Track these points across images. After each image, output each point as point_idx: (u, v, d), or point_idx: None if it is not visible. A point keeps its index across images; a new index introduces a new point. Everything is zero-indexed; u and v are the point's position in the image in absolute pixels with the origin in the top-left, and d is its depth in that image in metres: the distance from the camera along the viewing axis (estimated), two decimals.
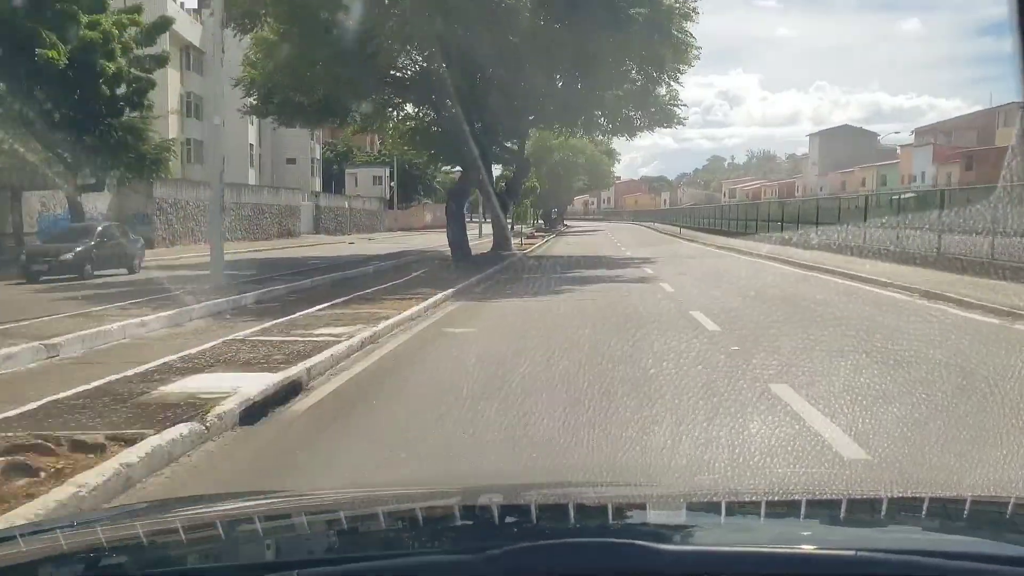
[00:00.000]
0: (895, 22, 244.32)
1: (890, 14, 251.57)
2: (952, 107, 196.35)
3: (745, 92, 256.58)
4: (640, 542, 1.42)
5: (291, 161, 68.52)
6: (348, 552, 1.69)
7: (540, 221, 77.38)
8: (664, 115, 32.14)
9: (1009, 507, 1.96)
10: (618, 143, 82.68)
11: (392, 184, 77.32)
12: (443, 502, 2.15)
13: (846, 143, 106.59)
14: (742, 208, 59.23)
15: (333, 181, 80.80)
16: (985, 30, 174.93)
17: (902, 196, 35.78)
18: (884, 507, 1.94)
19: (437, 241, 46.95)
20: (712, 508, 1.98)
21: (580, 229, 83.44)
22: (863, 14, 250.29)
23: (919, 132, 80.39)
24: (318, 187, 73.57)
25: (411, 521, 1.90)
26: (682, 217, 77.51)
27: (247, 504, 2.23)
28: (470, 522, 1.92)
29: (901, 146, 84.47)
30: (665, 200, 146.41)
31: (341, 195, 68.08)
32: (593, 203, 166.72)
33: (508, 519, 1.90)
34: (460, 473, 4.98)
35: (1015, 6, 1.62)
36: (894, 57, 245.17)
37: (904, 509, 1.98)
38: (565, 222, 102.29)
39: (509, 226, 36.70)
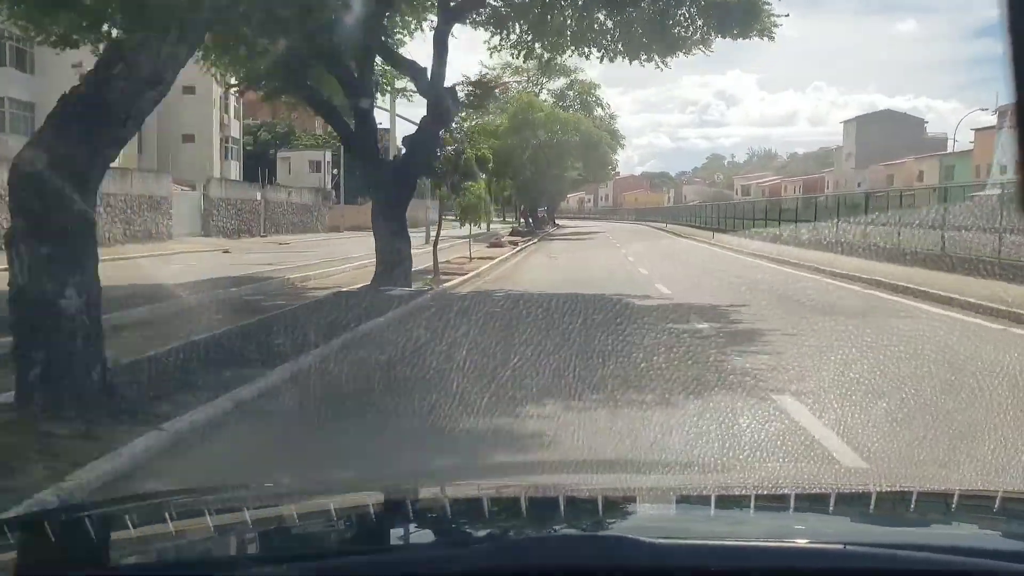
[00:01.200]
0: (892, 24, 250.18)
1: (887, 16, 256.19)
2: (949, 109, 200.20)
3: (742, 92, 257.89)
4: (630, 536, 1.41)
5: (188, 139, 51.48)
6: (338, 546, 1.66)
7: (525, 220, 60.22)
8: (747, 8, 15.34)
9: (997, 501, 1.95)
10: (630, 108, 65.67)
11: (335, 172, 60.39)
12: (432, 495, 2.15)
13: (888, 131, 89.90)
14: (771, 205, 44.38)
15: (265, 169, 64.09)
16: (982, 32, 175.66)
17: None
18: (873, 501, 1.95)
19: (361, 252, 30.44)
20: (702, 502, 1.98)
21: (574, 230, 66.51)
22: (861, 16, 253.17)
23: (1003, 112, 63.47)
24: (235, 173, 56.83)
25: (400, 515, 1.89)
26: (691, 215, 67.26)
27: (237, 497, 2.21)
28: (460, 516, 1.88)
29: (976, 130, 67.70)
30: (669, 197, 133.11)
31: (251, 184, 50.99)
32: (590, 201, 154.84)
33: (498, 513, 1.85)
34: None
35: (1006, 9, 1.46)
36: (891, 59, 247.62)
37: (893, 503, 1.99)
38: (556, 221, 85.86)
39: (432, 228, 19.72)
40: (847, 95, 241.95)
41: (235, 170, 58.00)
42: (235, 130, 58.13)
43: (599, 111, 56.82)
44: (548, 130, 51.27)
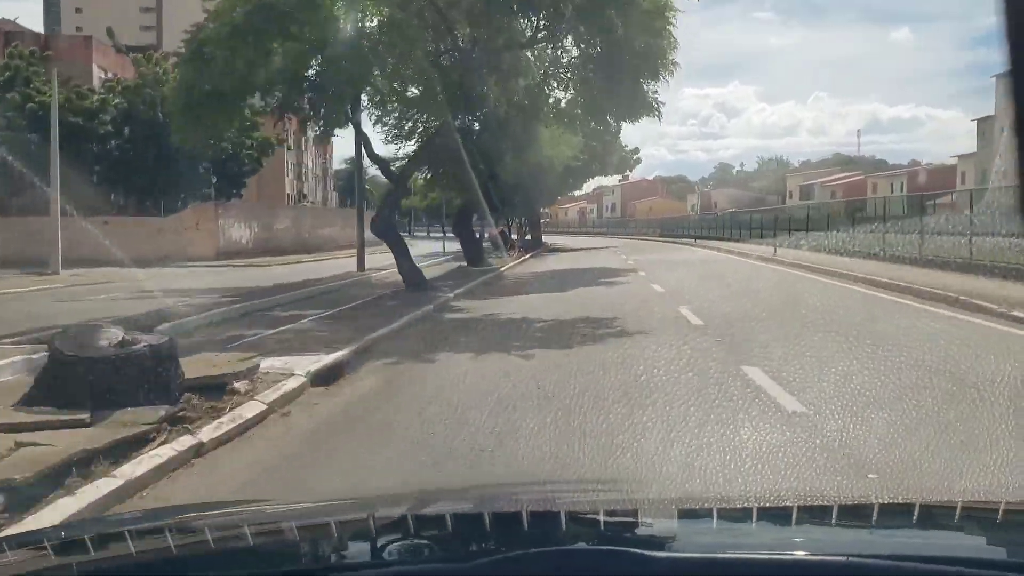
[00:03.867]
0: (891, 33, 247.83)
1: (886, 26, 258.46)
2: (950, 117, 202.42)
3: (742, 104, 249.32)
4: (632, 549, 1.41)
5: None
6: (337, 561, 1.68)
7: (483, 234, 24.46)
8: None
9: (999, 512, 1.95)
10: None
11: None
12: (433, 509, 2.16)
13: None
14: None
15: None
16: (979, 41, 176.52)
17: None
18: (875, 513, 1.93)
19: None
20: (704, 514, 1.99)
21: (558, 265, 30.51)
22: (860, 26, 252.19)
23: None
24: None
25: (401, 529, 1.86)
26: (734, 226, 45.95)
27: (236, 513, 2.25)
28: (460, 529, 1.85)
29: None
30: (693, 205, 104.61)
31: None
32: (592, 211, 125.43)
33: (498, 526, 1.83)
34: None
35: (1004, 19, 1.60)
36: (891, 68, 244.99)
37: (895, 514, 1.98)
38: (545, 240, 51.69)
39: None
40: (848, 105, 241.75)
41: None
42: None
43: None
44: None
